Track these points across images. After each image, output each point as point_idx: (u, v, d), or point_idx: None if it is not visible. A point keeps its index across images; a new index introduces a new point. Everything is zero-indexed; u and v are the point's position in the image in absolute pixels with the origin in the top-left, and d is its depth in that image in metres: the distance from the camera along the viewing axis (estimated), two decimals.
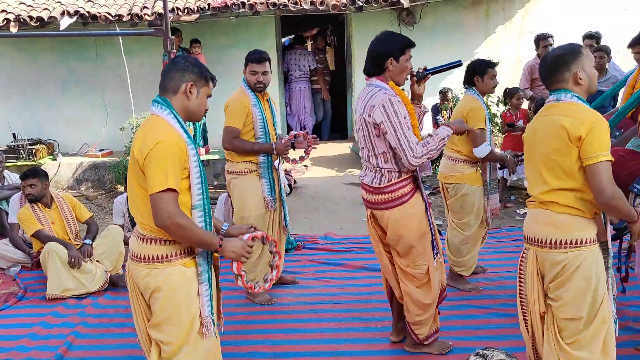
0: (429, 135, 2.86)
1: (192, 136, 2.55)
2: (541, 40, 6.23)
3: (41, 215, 4.49)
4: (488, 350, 2.50)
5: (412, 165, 2.77)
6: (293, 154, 4.09)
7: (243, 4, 7.22)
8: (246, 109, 3.74)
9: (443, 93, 7.24)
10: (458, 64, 3.11)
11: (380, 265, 3.19)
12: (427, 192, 5.73)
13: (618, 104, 4.38)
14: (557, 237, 2.31)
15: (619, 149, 3.13)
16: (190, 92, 2.27)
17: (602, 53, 5.40)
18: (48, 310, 3.99)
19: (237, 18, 7.68)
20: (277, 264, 2.64)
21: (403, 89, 2.93)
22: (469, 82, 3.92)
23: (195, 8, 7.29)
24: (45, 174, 4.62)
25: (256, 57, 3.77)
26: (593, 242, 2.32)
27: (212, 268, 2.37)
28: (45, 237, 4.39)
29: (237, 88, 3.94)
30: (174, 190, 2.14)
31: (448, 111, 7.35)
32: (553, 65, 2.37)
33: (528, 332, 2.56)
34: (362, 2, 7.36)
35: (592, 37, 6.05)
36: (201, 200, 2.27)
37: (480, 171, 3.95)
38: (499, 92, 7.03)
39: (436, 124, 7.13)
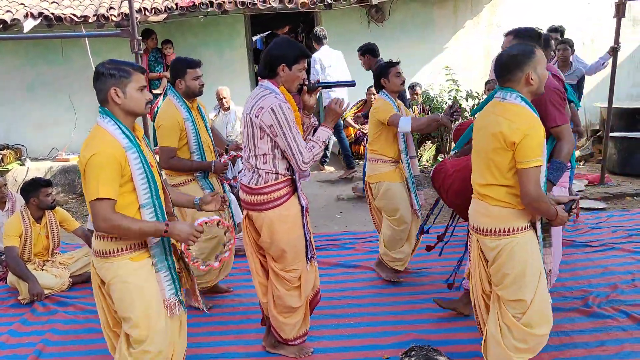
0: (311, 139, 2.92)
1: (145, 136, 2.56)
2: None
3: (30, 231, 4.35)
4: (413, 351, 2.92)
5: (301, 169, 2.85)
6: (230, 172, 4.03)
7: (211, 3, 7.14)
8: (180, 125, 3.62)
9: (412, 88, 7.29)
10: (351, 84, 3.20)
11: (250, 268, 3.18)
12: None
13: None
14: (491, 226, 2.52)
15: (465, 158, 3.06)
16: (117, 96, 2.33)
17: (566, 45, 5.50)
18: (16, 319, 3.93)
19: (206, 17, 7.62)
20: (231, 246, 2.80)
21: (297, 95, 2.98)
22: (378, 86, 4.08)
23: (163, 8, 7.20)
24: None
25: (196, 62, 3.69)
26: (524, 229, 2.50)
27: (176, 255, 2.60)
28: (12, 258, 4.22)
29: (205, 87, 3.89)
30: (108, 199, 2.28)
31: (419, 106, 7.40)
32: (507, 65, 2.47)
33: (475, 309, 2.80)
34: (330, 0, 7.36)
35: (557, 31, 6.17)
36: (149, 198, 2.40)
37: (401, 168, 4.08)
38: (467, 86, 7.14)
39: None
